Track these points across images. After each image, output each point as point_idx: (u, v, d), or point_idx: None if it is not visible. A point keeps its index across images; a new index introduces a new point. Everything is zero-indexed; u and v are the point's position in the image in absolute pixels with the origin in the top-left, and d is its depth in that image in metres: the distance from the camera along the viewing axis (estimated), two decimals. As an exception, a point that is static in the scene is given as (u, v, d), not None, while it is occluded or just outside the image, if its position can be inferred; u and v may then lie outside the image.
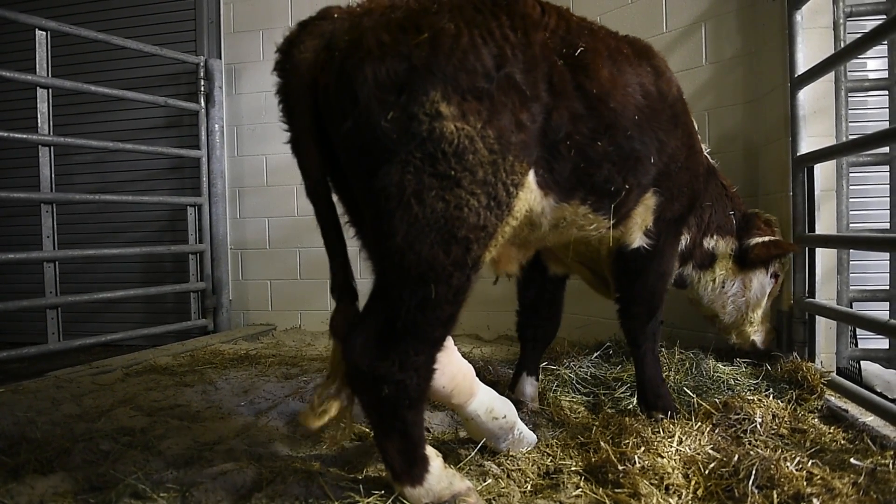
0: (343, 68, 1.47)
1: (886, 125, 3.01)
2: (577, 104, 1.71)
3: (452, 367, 1.85)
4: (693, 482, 1.73)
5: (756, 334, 2.95)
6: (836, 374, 2.72)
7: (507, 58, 1.53)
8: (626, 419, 2.18)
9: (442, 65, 1.44)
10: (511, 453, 1.99)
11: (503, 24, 1.56)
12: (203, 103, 4.90)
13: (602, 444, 1.96)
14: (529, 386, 2.62)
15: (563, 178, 1.75)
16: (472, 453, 2.00)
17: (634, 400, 2.56)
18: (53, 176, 3.93)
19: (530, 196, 1.67)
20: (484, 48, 1.50)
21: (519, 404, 2.54)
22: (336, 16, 1.57)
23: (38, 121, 3.88)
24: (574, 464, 1.92)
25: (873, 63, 3.35)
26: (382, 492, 1.66)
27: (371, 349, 1.53)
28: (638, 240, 2.22)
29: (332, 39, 1.52)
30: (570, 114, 1.69)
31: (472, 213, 1.49)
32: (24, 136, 3.92)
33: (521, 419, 2.09)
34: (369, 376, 1.53)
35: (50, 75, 3.94)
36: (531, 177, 1.65)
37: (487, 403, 1.95)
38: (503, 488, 1.76)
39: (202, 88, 4.88)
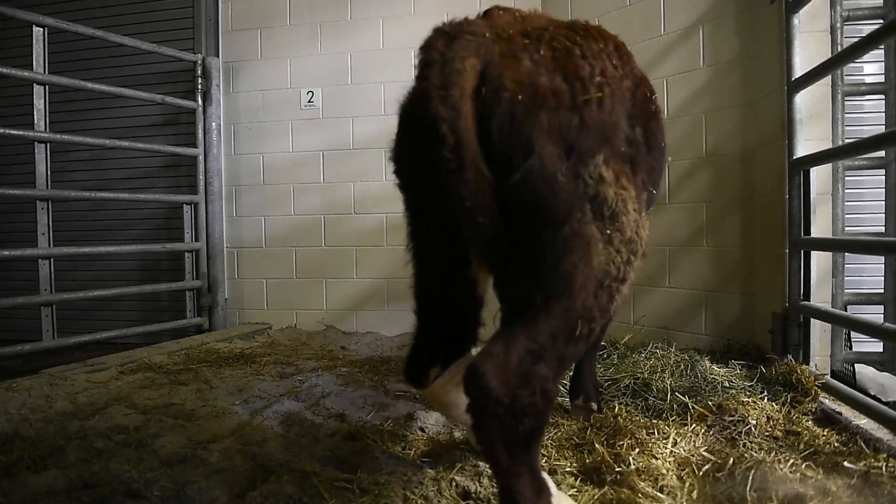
0: (514, 112, 1.36)
1: (882, 129, 3.02)
2: (651, 158, 1.67)
3: None
4: (687, 484, 1.73)
5: None
6: (831, 376, 2.72)
7: (636, 116, 1.50)
8: (621, 421, 2.18)
9: (606, 125, 1.39)
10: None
11: (627, 75, 1.51)
12: (200, 101, 4.88)
13: (597, 445, 1.96)
14: None
15: None
16: (469, 455, 2.00)
17: (628, 400, 2.57)
18: (49, 173, 3.90)
19: None
20: (621, 106, 1.44)
21: None
22: (486, 34, 1.42)
23: (35, 117, 3.86)
24: (569, 465, 1.92)
25: (870, 67, 3.36)
26: (377, 492, 1.66)
27: (512, 377, 1.38)
28: None
29: (488, 67, 1.39)
30: (648, 167, 1.65)
31: (624, 267, 1.47)
32: (21, 132, 3.89)
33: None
34: (509, 408, 1.35)
35: (47, 72, 3.91)
36: None
37: None
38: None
39: (199, 86, 4.86)
